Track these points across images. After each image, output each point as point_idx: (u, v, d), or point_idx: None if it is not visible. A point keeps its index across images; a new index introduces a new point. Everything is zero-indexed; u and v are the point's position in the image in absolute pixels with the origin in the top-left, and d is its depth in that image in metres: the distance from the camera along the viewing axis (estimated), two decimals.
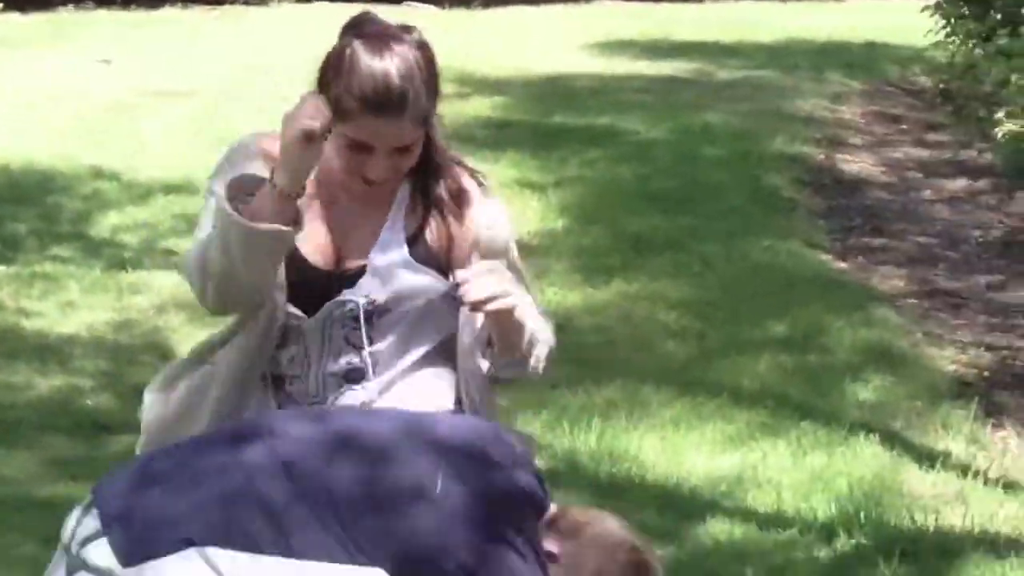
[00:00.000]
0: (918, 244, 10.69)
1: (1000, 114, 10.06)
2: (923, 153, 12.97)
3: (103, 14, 17.61)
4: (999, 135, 10.47)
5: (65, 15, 17.50)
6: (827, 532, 6.51)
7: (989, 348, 9.02)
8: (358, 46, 4.28)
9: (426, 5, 19.45)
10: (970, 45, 13.54)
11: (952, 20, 14.00)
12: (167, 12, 18.08)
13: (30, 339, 8.31)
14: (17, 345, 8.21)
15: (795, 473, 7.12)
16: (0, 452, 7.05)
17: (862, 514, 6.66)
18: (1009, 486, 7.22)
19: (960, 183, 12.18)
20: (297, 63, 13.02)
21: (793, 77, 14.68)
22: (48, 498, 6.52)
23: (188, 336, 8.17)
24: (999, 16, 13.24)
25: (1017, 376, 8.64)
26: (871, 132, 13.41)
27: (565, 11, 19.24)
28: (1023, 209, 11.66)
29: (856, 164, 12.43)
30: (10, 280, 8.83)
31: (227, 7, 18.44)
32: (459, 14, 18.87)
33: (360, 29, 4.39)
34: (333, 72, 4.20)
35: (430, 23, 17.49)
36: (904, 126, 13.86)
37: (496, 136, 11.78)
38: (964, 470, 7.30)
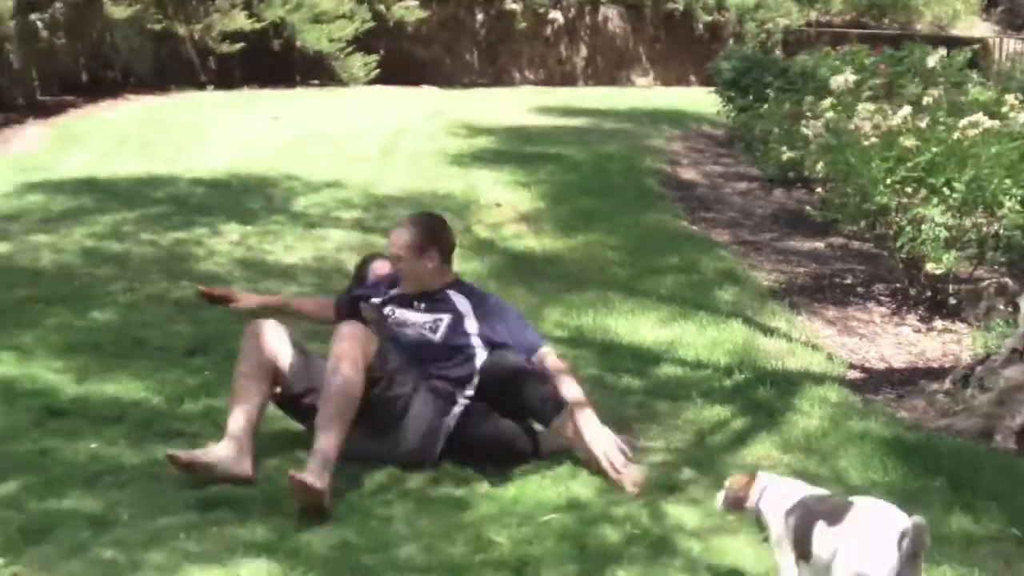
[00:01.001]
0: (730, 217, 11.09)
1: (780, 148, 10.13)
2: (719, 168, 13.27)
3: (266, 91, 17.31)
4: (770, 161, 10.55)
5: (248, 92, 17.18)
6: (728, 371, 6.67)
7: (782, 272, 9.28)
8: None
9: (430, 87, 19.30)
10: (737, 113, 13.67)
11: (725, 100, 14.14)
12: (307, 91, 17.85)
13: (271, 266, 8.44)
14: (265, 269, 8.31)
15: (702, 340, 7.24)
16: None
17: (744, 362, 6.77)
18: (809, 345, 7.47)
19: (742, 185, 12.42)
20: (374, 122, 13.21)
21: (643, 128, 14.92)
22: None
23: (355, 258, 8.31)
24: (751, 96, 13.42)
25: (801, 287, 8.96)
26: (689, 157, 13.78)
27: (507, 91, 19.17)
28: (778, 199, 11.82)
29: (687, 174, 12.79)
30: (254, 234, 8.96)
31: (332, 88, 18.20)
32: (454, 92, 18.60)
33: None
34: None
35: (439, 96, 17.71)
36: (707, 154, 14.15)
37: (497, 158, 12.09)
38: (788, 337, 7.51)
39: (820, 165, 8.93)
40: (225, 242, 8.79)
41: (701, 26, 23.99)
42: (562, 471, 5.17)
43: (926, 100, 8.48)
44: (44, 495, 4.58)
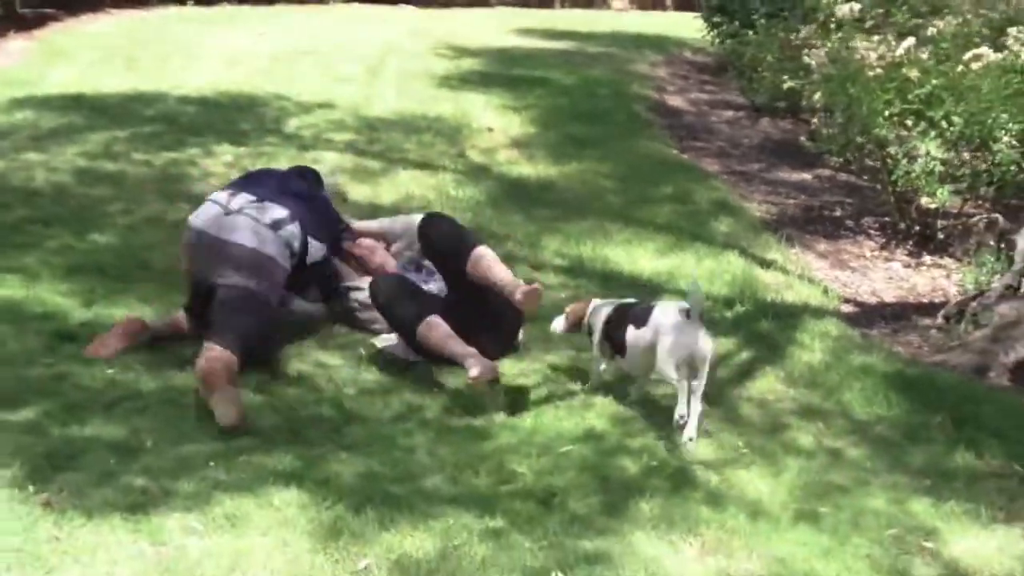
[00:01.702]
0: (718, 146, 11.02)
1: (778, 76, 10.08)
2: (705, 96, 13.18)
3: (247, 8, 17.06)
4: (761, 89, 10.51)
5: (229, 8, 16.91)
6: (728, 302, 6.75)
7: (772, 204, 9.34)
8: None
9: (408, 5, 19.06)
10: (723, 39, 13.57)
11: (710, 25, 14.04)
12: (288, 7, 17.55)
13: None
14: None
15: (701, 270, 7.25)
16: None
17: (743, 293, 6.83)
18: (805, 278, 7.51)
19: (728, 113, 12.39)
20: (359, 40, 13.12)
21: (627, 53, 14.77)
22: None
23: (353, 188, 8.50)
24: (737, 23, 13.33)
25: (792, 219, 8.98)
26: (675, 84, 13.64)
27: (486, 12, 18.91)
28: (764, 128, 11.81)
29: (673, 101, 12.69)
30: (248, 155, 8.86)
31: (311, 4, 17.93)
32: (433, 12, 18.36)
33: None
34: None
35: (417, 15, 17.54)
36: (692, 81, 14.05)
37: (485, 80, 11.98)
38: (784, 270, 7.57)
39: (818, 95, 8.88)
40: (219, 163, 8.72)
41: None
42: (575, 403, 5.22)
43: (931, 31, 8.43)
44: (66, 421, 4.59)
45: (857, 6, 8.67)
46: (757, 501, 4.47)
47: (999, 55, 7.94)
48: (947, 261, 8.41)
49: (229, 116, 10.09)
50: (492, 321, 5.50)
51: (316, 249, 5.63)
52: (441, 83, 12.00)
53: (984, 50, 7.80)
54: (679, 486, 4.51)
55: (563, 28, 17.31)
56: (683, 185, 9.19)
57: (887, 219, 8.98)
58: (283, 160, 8.52)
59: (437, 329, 5.28)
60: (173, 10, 16.75)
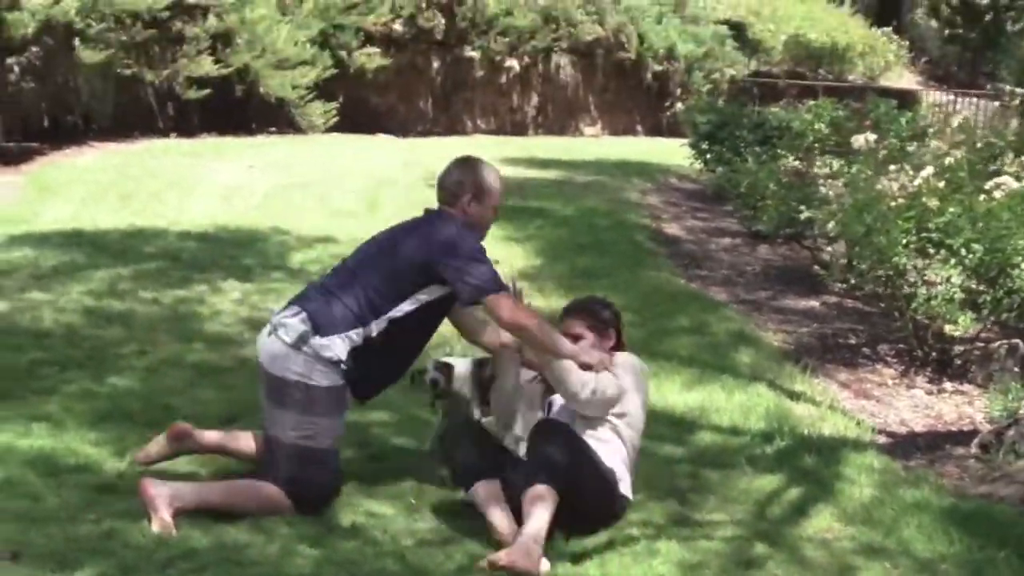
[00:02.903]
0: (722, 275, 10.98)
1: (769, 201, 10.14)
2: (700, 224, 13.21)
3: (228, 139, 17.07)
4: (766, 217, 10.54)
5: (210, 140, 16.92)
6: (767, 437, 6.65)
7: (787, 332, 9.27)
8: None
9: (388, 135, 19.22)
10: (713, 167, 13.75)
11: (698, 153, 14.22)
12: (268, 139, 17.60)
13: None
14: None
15: (731, 405, 7.24)
16: None
17: (784, 428, 6.74)
18: (836, 409, 7.46)
19: (726, 240, 12.39)
20: (349, 172, 13.10)
21: (615, 181, 14.84)
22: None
23: None
24: (724, 148, 13.54)
25: (808, 348, 8.93)
26: (668, 211, 13.72)
27: (464, 140, 19.05)
28: (764, 255, 11.81)
29: (670, 229, 12.72)
30: (255, 292, 8.78)
31: (291, 136, 18.01)
32: (414, 140, 18.47)
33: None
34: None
35: (399, 145, 17.62)
36: (684, 208, 14.11)
37: None
38: (813, 402, 7.51)
39: (831, 224, 8.90)
40: (227, 300, 8.63)
41: (650, 75, 24.08)
42: (638, 548, 5.09)
43: (948, 160, 8.49)
44: None
45: (873, 137, 8.72)
46: None
47: (1019, 183, 7.96)
48: (968, 387, 8.37)
49: (231, 252, 10.01)
50: None
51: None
52: None
53: (1006, 178, 7.83)
54: None
55: (545, 156, 17.41)
56: (698, 316, 9.14)
57: (902, 346, 8.94)
58: (291, 296, 8.36)
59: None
60: (157, 143, 16.72)
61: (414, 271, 5.13)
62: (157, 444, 5.39)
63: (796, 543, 5.37)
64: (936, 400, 8.13)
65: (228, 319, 8.16)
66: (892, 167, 8.51)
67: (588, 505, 5.17)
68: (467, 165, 5.56)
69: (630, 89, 24.41)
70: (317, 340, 5.01)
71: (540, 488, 4.94)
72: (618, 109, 24.73)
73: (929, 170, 8.24)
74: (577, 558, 4.97)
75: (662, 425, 6.65)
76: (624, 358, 5.55)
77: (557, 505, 4.93)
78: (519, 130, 23.19)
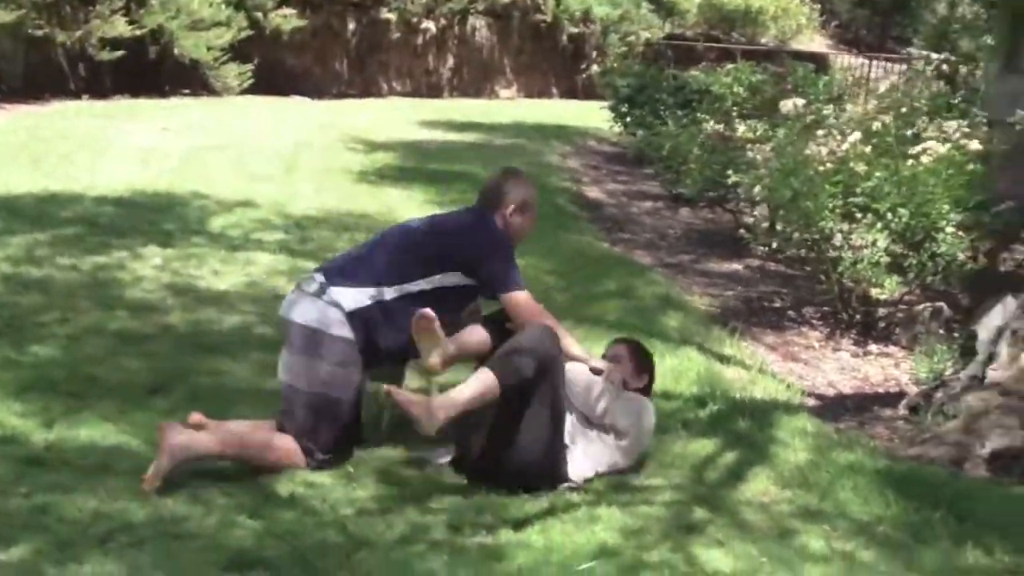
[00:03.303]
0: (645, 238, 10.99)
1: (693, 165, 10.14)
2: (621, 187, 13.20)
3: (141, 101, 16.77)
4: (690, 180, 10.53)
5: (123, 102, 16.59)
6: (700, 401, 6.59)
7: (712, 296, 9.31)
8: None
9: (303, 97, 18.99)
10: (633, 130, 13.77)
11: (618, 116, 14.21)
12: (183, 101, 17.32)
13: (203, 293, 8.03)
14: (198, 296, 7.94)
15: (661, 369, 6.84)
16: (227, 362, 6.64)
17: (716, 392, 6.74)
18: (766, 373, 7.51)
19: (648, 204, 12.40)
20: (266, 134, 12.91)
21: (534, 144, 14.75)
22: (273, 389, 6.19)
23: (287, 285, 8.00)
24: (644, 112, 13.56)
25: (735, 311, 8.96)
26: (589, 175, 13.68)
27: (381, 103, 18.86)
28: (686, 219, 11.84)
29: (592, 193, 12.70)
30: (177, 258, 8.58)
31: (205, 98, 17.74)
32: (329, 103, 18.27)
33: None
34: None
35: (315, 107, 17.41)
36: (604, 171, 14.09)
37: (403, 175, 11.89)
38: (743, 365, 7.55)
39: (757, 188, 8.92)
40: (148, 266, 8.43)
41: (565, 38, 24.03)
42: (580, 515, 5.06)
43: (876, 125, 8.51)
44: (61, 560, 4.26)
45: (801, 102, 8.73)
46: None
47: (945, 147, 8.01)
48: (893, 349, 8.44)
49: (150, 217, 9.81)
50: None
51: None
52: (359, 178, 11.85)
53: (932, 143, 7.88)
54: None
55: (464, 119, 17.31)
56: (624, 280, 9.10)
57: (827, 309, 8.99)
58: (213, 262, 8.26)
59: None
60: (70, 104, 16.38)
61: (443, 257, 5.32)
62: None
63: (735, 507, 5.37)
64: (862, 362, 8.19)
65: (150, 285, 7.99)
66: (820, 132, 8.50)
67: (514, 441, 5.23)
68: (518, 178, 5.84)
69: (546, 51, 24.36)
70: (333, 289, 5.17)
71: (490, 375, 5.08)
72: (534, 71, 24.68)
73: (856, 135, 8.25)
74: (518, 525, 4.92)
75: None
76: (646, 401, 5.74)
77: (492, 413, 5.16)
78: (435, 92, 23.06)
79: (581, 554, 4.69)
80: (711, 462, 5.90)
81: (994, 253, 9.54)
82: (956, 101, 10.74)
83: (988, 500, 5.63)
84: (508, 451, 5.26)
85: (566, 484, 5.41)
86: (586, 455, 5.49)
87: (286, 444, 5.19)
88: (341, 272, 5.30)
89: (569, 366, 5.44)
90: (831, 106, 11.82)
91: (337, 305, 5.16)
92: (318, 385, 5.20)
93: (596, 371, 5.55)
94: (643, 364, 5.96)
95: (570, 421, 5.50)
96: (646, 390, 5.89)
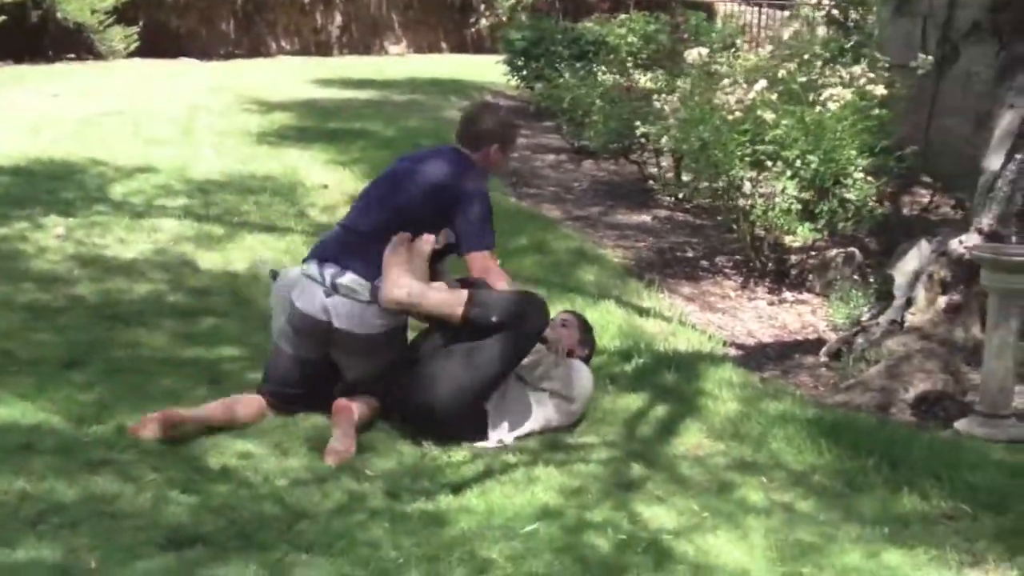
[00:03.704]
0: (551, 191, 10.89)
1: (596, 117, 10.07)
2: (521, 141, 12.86)
3: (24, 67, 16.28)
4: (591, 132, 10.47)
5: (6, 68, 16.10)
6: (625, 355, 6.59)
7: (624, 248, 9.25)
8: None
9: (190, 60, 18.58)
10: (529, 84, 13.70)
11: (514, 70, 14.09)
12: (69, 66, 16.85)
13: (111, 262, 7.79)
14: (106, 266, 7.70)
15: None
16: (142, 332, 6.48)
17: (639, 345, 6.71)
18: (686, 324, 7.46)
19: (551, 157, 12.30)
20: (158, 98, 12.64)
21: (432, 100, 14.55)
22: (190, 358, 6.21)
23: (201, 256, 8.02)
24: (541, 64, 13.48)
25: (649, 263, 8.92)
26: None
27: (270, 62, 18.55)
28: (590, 171, 11.78)
29: None
30: (80, 227, 8.32)
31: (91, 62, 17.28)
32: (217, 64, 17.92)
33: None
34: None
35: (205, 68, 17.07)
36: None
37: (303, 135, 11.63)
38: (663, 317, 7.50)
39: (665, 139, 8.87)
40: (51, 237, 8.17)
41: None
42: (518, 476, 5.02)
43: (781, 73, 8.49)
44: None
45: (705, 51, 8.68)
46: (744, 571, 4.30)
47: (849, 93, 8.01)
48: (807, 296, 8.49)
49: (49, 185, 9.50)
50: None
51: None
52: (259, 140, 11.61)
53: (839, 90, 7.88)
54: (660, 561, 4.32)
55: (358, 77, 17.05)
56: (536, 235, 9.02)
57: (739, 258, 9.00)
58: (118, 230, 8.05)
59: None
60: None
61: (429, 210, 5.36)
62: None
63: (671, 462, 5.35)
64: (779, 310, 8.22)
65: (55, 256, 7.75)
66: (726, 81, 8.46)
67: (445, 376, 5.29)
68: (499, 115, 5.87)
69: (434, 6, 24.10)
70: (349, 276, 5.28)
71: (464, 295, 5.27)
72: (422, 26, 24.41)
73: (763, 83, 8.22)
74: (456, 488, 4.87)
75: None
76: (587, 369, 5.78)
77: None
78: (323, 50, 22.72)
79: (523, 516, 4.63)
80: (642, 417, 5.88)
81: (896, 196, 9.62)
82: (848, 46, 10.74)
83: (919, 446, 5.65)
84: (433, 383, 5.30)
85: (482, 443, 5.35)
86: (514, 420, 5.44)
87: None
88: (349, 253, 5.35)
89: None
90: (725, 54, 11.79)
91: (368, 301, 5.25)
92: (388, 363, 5.38)
93: (543, 340, 5.55)
94: (587, 336, 5.99)
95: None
96: (586, 360, 5.86)
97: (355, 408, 5.17)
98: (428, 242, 5.30)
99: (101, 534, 4.20)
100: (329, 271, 5.34)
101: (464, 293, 5.28)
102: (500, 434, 5.37)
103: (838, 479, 5.29)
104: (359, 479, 4.92)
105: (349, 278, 5.29)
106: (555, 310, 6.94)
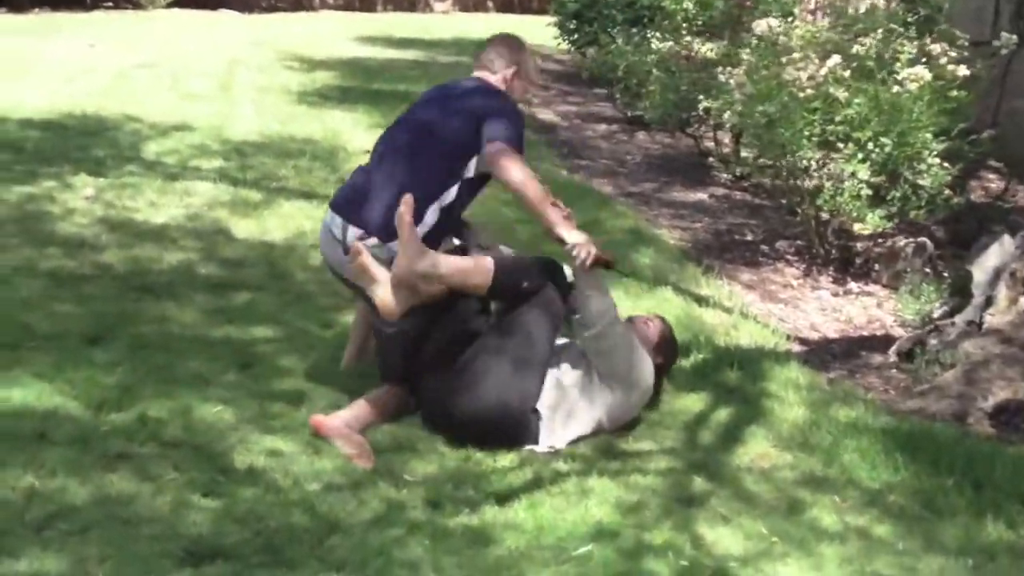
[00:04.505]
0: (603, 164, 10.50)
1: (653, 87, 9.62)
2: (573, 108, 12.65)
3: (62, 15, 15.95)
4: (648, 102, 10.00)
5: (44, 15, 15.76)
6: (684, 350, 6.10)
7: (681, 229, 8.86)
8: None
9: (231, 11, 18.23)
10: (579, 48, 13.22)
11: (566, 33, 13.62)
12: (107, 15, 16.50)
13: (141, 227, 7.47)
14: (136, 231, 7.35)
15: (640, 311, 6.50)
16: (170, 306, 6.10)
17: (700, 338, 6.32)
18: (748, 316, 7.04)
19: (602, 127, 11.88)
20: (198, 51, 12.23)
21: None
22: (221, 337, 5.84)
23: (236, 223, 7.58)
24: (594, 28, 13.00)
25: (706, 246, 8.52)
26: (538, 95, 13.06)
27: (312, 16, 18.13)
28: (643, 143, 11.34)
29: (543, 115, 12.14)
30: (110, 188, 8.00)
31: (129, 11, 16.94)
32: (258, 17, 17.52)
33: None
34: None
35: (245, 21, 16.68)
36: (554, 92, 13.51)
37: (346, 96, 11.29)
38: (723, 308, 7.09)
39: (728, 115, 8.41)
40: (80, 198, 7.82)
41: None
42: (569, 487, 4.63)
43: (855, 49, 7.99)
44: None
45: (775, 22, 8.17)
46: None
47: (926, 72, 7.53)
48: (873, 288, 8.05)
49: (80, 142, 9.17)
50: None
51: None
52: (300, 99, 11.24)
53: (918, 68, 7.39)
54: None
55: (401, 35, 16.68)
56: (590, 212, 8.57)
57: (801, 243, 8.55)
58: (150, 192, 7.69)
59: None
60: None
61: (461, 143, 4.95)
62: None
63: (735, 475, 4.96)
64: (843, 302, 7.79)
65: (83, 219, 7.41)
66: (796, 54, 7.97)
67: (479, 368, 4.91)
68: (511, 41, 5.43)
69: None
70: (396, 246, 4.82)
71: (489, 261, 4.86)
72: None
73: (836, 58, 7.73)
74: (503, 499, 4.49)
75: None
76: (649, 361, 5.35)
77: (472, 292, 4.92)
78: (367, 6, 22.36)
79: (576, 535, 4.26)
80: (703, 420, 5.48)
81: (963, 182, 9.15)
82: (913, 19, 10.20)
83: (1002, 463, 5.21)
84: (472, 380, 4.89)
85: (531, 447, 4.96)
86: (566, 421, 5.05)
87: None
88: (380, 209, 4.93)
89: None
90: (785, 24, 11.25)
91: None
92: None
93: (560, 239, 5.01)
94: (667, 345, 5.57)
95: (553, 378, 5.07)
96: (659, 369, 5.41)
97: (335, 422, 4.80)
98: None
99: (113, 542, 3.85)
100: (350, 230, 4.97)
101: (488, 260, 4.87)
102: (552, 439, 4.96)
103: (916, 500, 4.88)
104: (398, 485, 4.54)
105: (372, 241, 4.91)
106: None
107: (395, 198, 4.84)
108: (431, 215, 4.90)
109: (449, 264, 4.82)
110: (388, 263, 4.86)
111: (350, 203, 5.06)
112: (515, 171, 4.86)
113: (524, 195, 4.91)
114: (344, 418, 4.85)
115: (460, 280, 4.86)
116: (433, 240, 4.90)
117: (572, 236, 4.92)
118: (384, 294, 4.81)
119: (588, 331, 5.00)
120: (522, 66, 5.33)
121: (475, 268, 4.88)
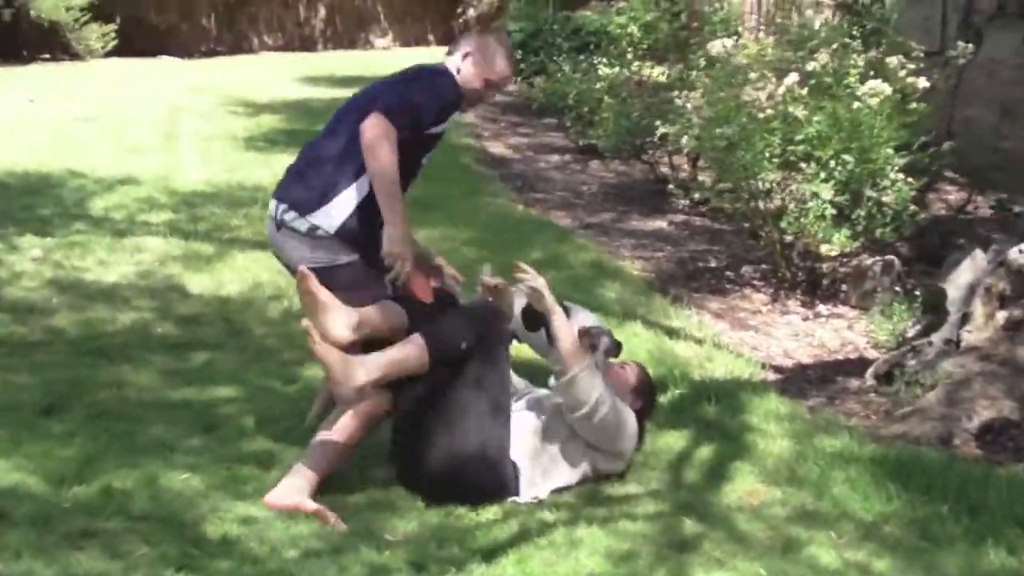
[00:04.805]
0: (559, 196, 10.34)
1: (606, 115, 9.54)
2: (524, 140, 12.54)
3: (2, 70, 15.72)
4: (601, 130, 9.91)
5: None
6: (660, 386, 5.94)
7: (643, 259, 8.72)
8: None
9: (171, 58, 18.03)
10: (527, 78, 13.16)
11: None
12: (44, 67, 16.25)
13: (91, 287, 7.26)
14: (86, 292, 7.15)
15: None
16: (127, 369, 5.92)
17: (674, 372, 6.18)
18: (721, 347, 6.89)
19: (554, 158, 11.76)
20: (139, 101, 12.04)
21: None
22: (181, 400, 5.66)
23: (189, 279, 7.37)
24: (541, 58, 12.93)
25: (670, 275, 8.38)
26: (488, 128, 12.98)
27: (253, 59, 17.97)
28: (597, 172, 11.24)
29: (495, 148, 12.02)
30: (58, 247, 7.78)
31: (68, 63, 16.71)
32: (198, 62, 17.32)
33: None
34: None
35: (185, 67, 16.48)
36: (503, 124, 13.41)
37: (293, 139, 11.07)
38: (695, 339, 6.95)
39: (685, 139, 8.31)
40: (27, 259, 7.61)
41: None
42: (557, 538, 4.46)
43: (811, 65, 7.91)
44: None
45: (730, 42, 8.08)
46: None
47: (886, 85, 7.46)
48: (842, 309, 7.96)
49: (24, 200, 8.97)
50: None
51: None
52: (247, 145, 11.06)
53: (877, 83, 7.32)
54: None
55: (345, 74, 16.50)
56: (550, 246, 8.49)
57: (766, 267, 8.45)
58: (99, 250, 7.50)
59: None
60: None
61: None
62: None
63: (725, 515, 4.81)
64: (814, 325, 7.68)
65: (31, 282, 7.20)
66: (753, 75, 7.88)
67: (444, 430, 4.72)
68: (480, 32, 5.79)
69: None
70: (309, 216, 4.74)
71: (420, 339, 4.62)
72: (408, 17, 23.92)
73: (794, 76, 7.65)
74: (489, 556, 4.31)
75: (543, 374, 5.99)
76: (634, 422, 5.17)
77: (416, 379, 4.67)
78: (308, 45, 22.22)
79: None
80: (687, 459, 5.34)
81: (922, 195, 9.09)
82: (859, 32, 10.16)
83: (996, 487, 5.08)
84: (439, 441, 4.70)
85: (514, 499, 4.81)
86: (548, 471, 4.90)
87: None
88: (303, 185, 4.82)
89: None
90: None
91: (320, 231, 4.72)
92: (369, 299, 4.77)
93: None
94: (646, 388, 5.39)
95: (534, 426, 4.92)
96: (639, 414, 5.24)
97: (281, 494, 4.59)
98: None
99: None
100: (279, 206, 4.91)
101: (418, 339, 4.68)
102: (534, 490, 4.81)
103: (912, 530, 4.75)
104: (379, 547, 4.36)
105: (291, 215, 4.81)
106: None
107: (315, 172, 4.83)
108: (357, 188, 4.76)
109: (381, 364, 4.62)
110: (307, 236, 4.75)
111: (281, 181, 5.03)
112: (373, 154, 4.65)
113: (374, 181, 4.69)
114: (291, 487, 4.66)
115: (399, 371, 4.67)
116: (368, 215, 4.75)
117: (393, 246, 4.72)
118: (331, 327, 4.63)
119: (574, 414, 4.87)
120: (477, 51, 5.14)
121: (408, 354, 4.67)
